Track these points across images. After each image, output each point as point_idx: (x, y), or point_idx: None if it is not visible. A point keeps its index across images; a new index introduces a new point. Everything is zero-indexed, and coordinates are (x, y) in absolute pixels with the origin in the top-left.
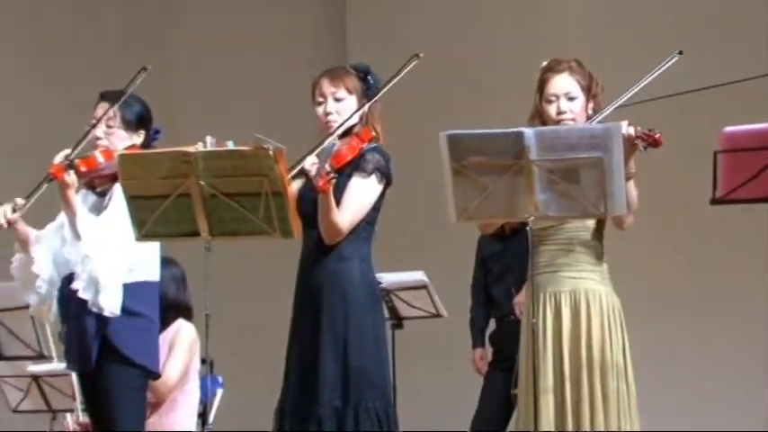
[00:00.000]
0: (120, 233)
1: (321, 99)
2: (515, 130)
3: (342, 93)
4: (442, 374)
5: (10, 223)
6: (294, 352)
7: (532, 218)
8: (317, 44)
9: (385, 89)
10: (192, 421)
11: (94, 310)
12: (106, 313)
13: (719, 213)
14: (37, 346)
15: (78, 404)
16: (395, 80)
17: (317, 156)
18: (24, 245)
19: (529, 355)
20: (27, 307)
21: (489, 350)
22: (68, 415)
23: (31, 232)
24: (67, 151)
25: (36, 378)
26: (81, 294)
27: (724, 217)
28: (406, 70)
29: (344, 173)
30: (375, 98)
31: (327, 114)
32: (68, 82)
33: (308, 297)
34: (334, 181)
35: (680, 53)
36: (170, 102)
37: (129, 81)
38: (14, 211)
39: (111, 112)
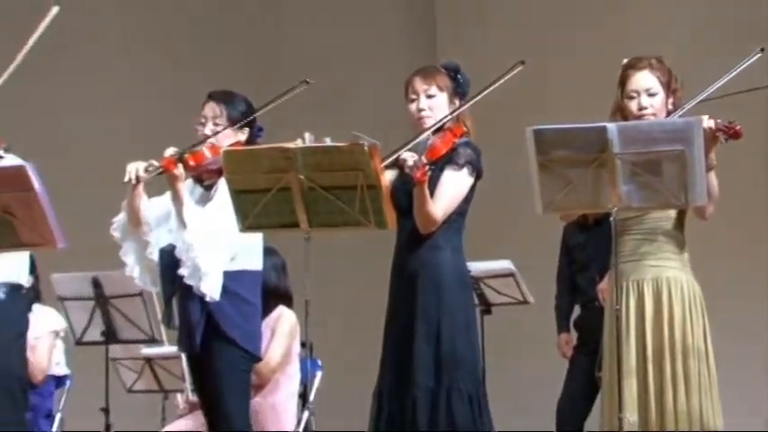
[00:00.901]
0: (223, 224)
1: (414, 96)
2: (599, 124)
3: (433, 90)
4: (529, 358)
5: (139, 180)
6: (390, 336)
7: (616, 209)
8: (408, 45)
9: (486, 92)
10: (293, 401)
11: (198, 294)
12: (207, 299)
13: None
14: (149, 330)
15: (188, 384)
16: (497, 84)
17: (411, 150)
18: (132, 208)
19: (612, 339)
20: (140, 294)
21: (574, 335)
22: (179, 394)
23: (143, 202)
24: (175, 149)
25: (149, 360)
26: (186, 280)
27: None
28: (508, 76)
29: (438, 166)
30: (476, 98)
31: (420, 111)
32: (177, 76)
33: (403, 284)
34: (430, 173)
35: (761, 50)
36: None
37: (285, 91)
38: (147, 170)
39: (217, 110)
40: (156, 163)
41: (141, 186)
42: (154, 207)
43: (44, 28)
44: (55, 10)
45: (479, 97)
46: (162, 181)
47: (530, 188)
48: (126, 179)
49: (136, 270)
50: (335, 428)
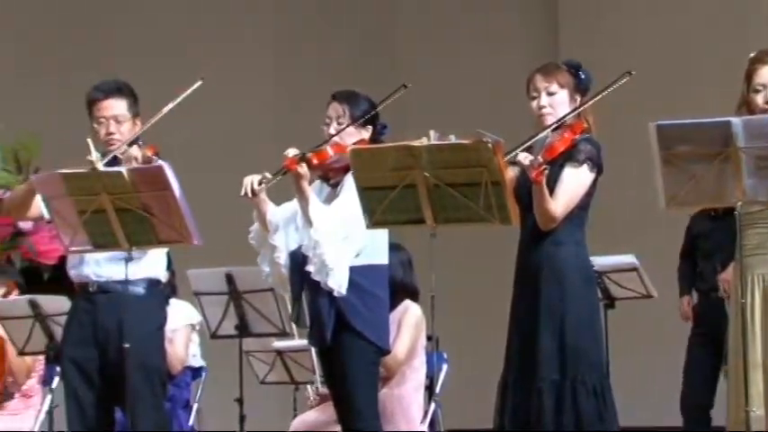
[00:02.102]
0: (349, 220)
1: (535, 94)
2: (723, 119)
3: (554, 87)
4: (653, 352)
5: (254, 193)
6: (514, 330)
7: (740, 203)
8: (530, 43)
9: (594, 100)
10: (419, 394)
11: (326, 289)
12: (335, 293)
13: None
14: (280, 324)
15: (318, 377)
16: (605, 92)
17: (532, 147)
18: (261, 216)
19: (738, 333)
20: (271, 289)
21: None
22: (309, 386)
23: (270, 208)
24: (296, 150)
25: (280, 353)
26: (313, 276)
27: None
28: (616, 85)
29: (557, 163)
30: (586, 104)
31: (541, 108)
32: (308, 77)
33: (527, 278)
34: (546, 172)
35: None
36: (397, 99)
37: (387, 96)
38: (261, 183)
39: (340, 110)
40: (269, 175)
41: (263, 195)
42: (281, 211)
43: (185, 96)
44: (199, 83)
45: (592, 102)
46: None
47: (653, 183)
48: (242, 193)
49: (271, 278)
50: (461, 421)
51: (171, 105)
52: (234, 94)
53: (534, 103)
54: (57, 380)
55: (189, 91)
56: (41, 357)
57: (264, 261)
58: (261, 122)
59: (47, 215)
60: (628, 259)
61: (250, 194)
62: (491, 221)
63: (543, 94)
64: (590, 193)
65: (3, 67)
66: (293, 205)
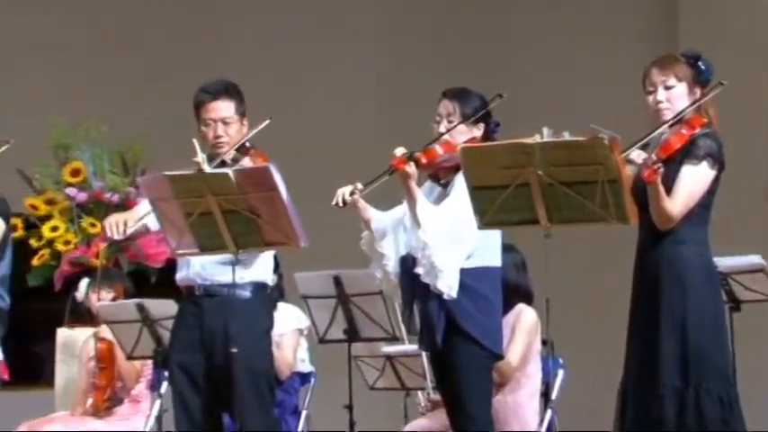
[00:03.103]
0: (459, 221)
1: (651, 88)
2: None
3: (672, 81)
4: None
5: (345, 203)
6: (634, 334)
7: None
8: (646, 34)
9: (714, 93)
10: (534, 401)
11: (436, 292)
12: (445, 296)
13: None
14: (390, 328)
15: (429, 383)
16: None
17: (648, 144)
18: (367, 224)
19: None
20: (380, 292)
21: None
22: (420, 393)
23: (375, 215)
24: (404, 149)
25: (390, 358)
26: (423, 279)
27: None
28: (711, 95)
29: (676, 160)
30: (706, 97)
31: (658, 103)
32: (418, 76)
33: (646, 281)
34: (660, 171)
35: None
36: (509, 96)
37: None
38: (353, 194)
39: (451, 107)
40: (360, 185)
41: (361, 203)
42: (389, 215)
43: (253, 134)
44: (267, 122)
45: (713, 94)
46: None
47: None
48: (333, 203)
49: (384, 283)
50: (579, 428)
51: (243, 140)
52: (341, 93)
53: (651, 98)
54: (165, 385)
55: (256, 130)
56: (149, 362)
57: (376, 267)
58: (369, 122)
59: (152, 227)
60: (754, 260)
61: (341, 204)
62: (608, 221)
63: (660, 89)
64: (711, 191)
65: (108, 70)
66: (402, 208)
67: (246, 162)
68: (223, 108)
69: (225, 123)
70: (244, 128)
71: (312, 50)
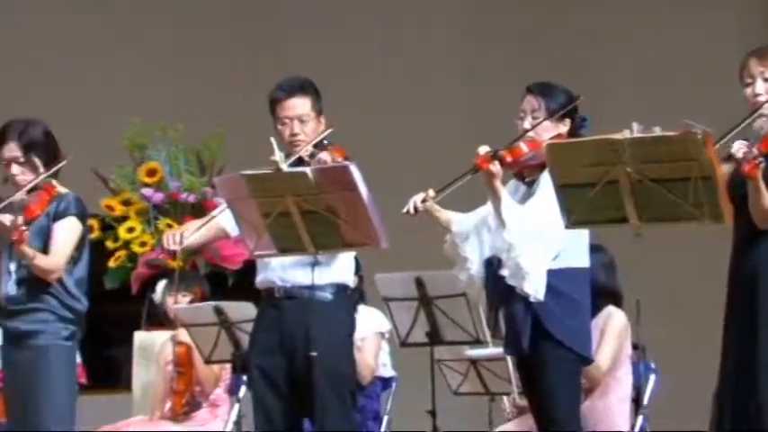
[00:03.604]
0: (546, 221)
1: (749, 80)
2: None
3: None
4: None
5: (417, 211)
6: (730, 339)
7: None
8: (743, 26)
9: None
10: (625, 406)
11: (522, 294)
12: (531, 299)
13: None
14: (473, 331)
15: (515, 387)
16: None
17: (746, 139)
18: (445, 228)
19: None
20: (463, 294)
21: None
22: (505, 398)
23: (455, 218)
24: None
25: (474, 362)
26: (508, 281)
27: None
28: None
29: None
30: None
31: (756, 95)
32: (501, 74)
33: (742, 284)
34: (762, 166)
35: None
36: (596, 90)
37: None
38: (424, 201)
39: (536, 103)
40: (432, 193)
41: (436, 209)
42: (471, 217)
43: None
44: (329, 130)
45: None
46: None
47: None
48: (404, 211)
49: (468, 287)
50: None
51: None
52: (423, 93)
53: (749, 90)
54: (243, 389)
55: (325, 132)
56: (228, 366)
57: (460, 271)
58: (451, 121)
59: (231, 233)
60: None
61: (412, 212)
62: (701, 220)
63: (759, 80)
64: None
65: (184, 69)
66: (485, 210)
67: (324, 157)
68: (299, 105)
69: (301, 121)
70: (321, 125)
71: (396, 49)
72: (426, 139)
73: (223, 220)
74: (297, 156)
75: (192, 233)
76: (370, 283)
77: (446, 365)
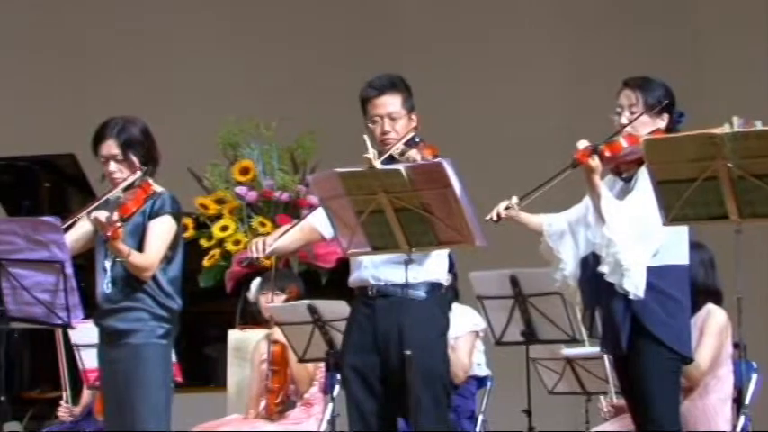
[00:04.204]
0: (644, 217)
1: None
2: None
3: None
4: None
5: (500, 218)
6: None
7: None
8: None
9: None
10: (726, 406)
11: (621, 292)
12: (631, 296)
13: None
14: (569, 329)
15: (612, 387)
16: None
17: None
18: (535, 231)
19: None
20: (559, 292)
21: None
22: (602, 397)
23: (544, 219)
24: (587, 142)
25: (569, 361)
26: (607, 278)
27: None
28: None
29: None
30: None
31: None
32: (600, 66)
33: None
34: None
35: None
36: (697, 85)
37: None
38: (507, 209)
39: (633, 98)
40: (515, 200)
41: (520, 215)
42: (565, 216)
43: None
44: (412, 134)
45: None
46: None
47: None
48: (487, 218)
49: (563, 287)
50: None
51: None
52: (520, 90)
53: None
54: (337, 388)
55: (408, 136)
56: (322, 365)
57: (555, 271)
58: (548, 116)
59: (326, 234)
60: None
61: (495, 219)
62: None
63: None
64: None
65: (277, 67)
66: (579, 209)
67: (414, 155)
68: (390, 103)
69: (392, 119)
70: (412, 122)
71: (496, 46)
72: (521, 137)
73: (317, 222)
74: (387, 154)
75: (275, 239)
76: (464, 281)
77: (542, 364)
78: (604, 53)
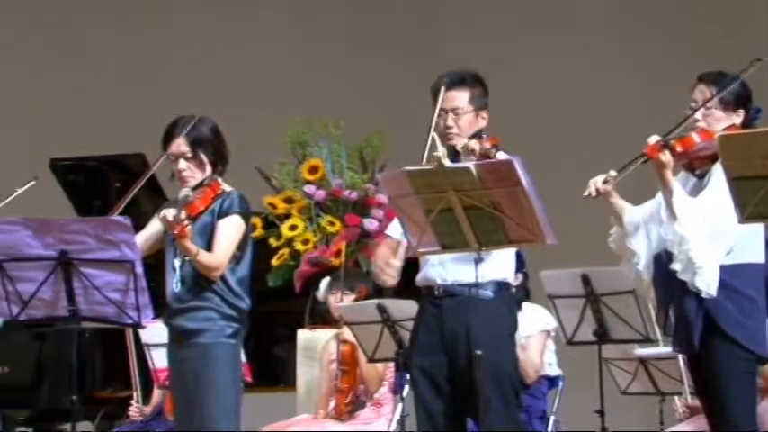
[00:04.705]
0: (718, 214)
1: None
2: None
3: None
4: None
5: (599, 193)
6: None
7: None
8: None
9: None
10: None
11: (693, 290)
12: (703, 295)
13: None
14: (643, 329)
15: (686, 387)
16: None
17: None
18: (618, 217)
19: None
20: (632, 291)
21: None
22: (677, 398)
23: (627, 208)
24: (659, 137)
25: (643, 361)
26: (679, 275)
27: None
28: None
29: None
30: None
31: None
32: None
33: None
34: None
35: None
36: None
37: (741, 70)
38: (606, 182)
39: (708, 93)
40: (613, 173)
41: (614, 196)
42: (641, 210)
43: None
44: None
45: None
46: None
47: None
48: (585, 194)
49: (636, 282)
50: None
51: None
52: (589, 86)
53: None
54: (407, 388)
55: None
56: (391, 364)
57: (627, 264)
58: (617, 112)
59: (403, 238)
60: None
61: (593, 194)
62: None
63: None
64: None
65: (345, 66)
66: (652, 204)
67: (473, 145)
68: (455, 98)
69: (456, 114)
70: (480, 121)
71: (561, 42)
72: (592, 133)
73: (396, 233)
74: (447, 148)
75: (396, 263)
76: (535, 280)
77: (614, 364)
78: (675, 50)
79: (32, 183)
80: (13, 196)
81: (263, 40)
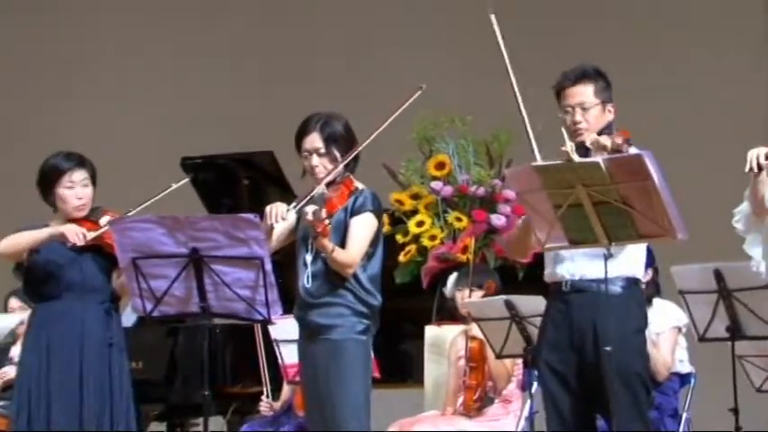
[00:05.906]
0: None
1: None
2: None
3: None
4: None
5: (761, 168)
6: None
7: None
8: None
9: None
10: None
11: None
12: None
13: None
14: None
15: None
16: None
17: None
18: (753, 194)
19: None
20: (767, 287)
21: None
22: None
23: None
24: None
25: None
26: None
27: None
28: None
29: None
30: None
31: None
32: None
33: None
34: None
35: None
36: None
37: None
38: None
39: None
40: None
41: (765, 174)
42: None
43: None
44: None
45: None
46: None
47: None
48: (747, 168)
49: (762, 265)
50: None
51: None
52: (714, 79)
53: None
54: (535, 385)
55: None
56: (519, 361)
57: (751, 247)
58: (746, 104)
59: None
60: None
61: (755, 169)
62: None
63: None
64: None
65: (473, 59)
66: None
67: (604, 140)
68: (580, 93)
69: (583, 109)
70: (608, 114)
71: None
72: (718, 127)
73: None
74: (577, 143)
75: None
76: (665, 276)
77: (748, 361)
78: None
79: (186, 180)
80: (167, 191)
81: (392, 35)
